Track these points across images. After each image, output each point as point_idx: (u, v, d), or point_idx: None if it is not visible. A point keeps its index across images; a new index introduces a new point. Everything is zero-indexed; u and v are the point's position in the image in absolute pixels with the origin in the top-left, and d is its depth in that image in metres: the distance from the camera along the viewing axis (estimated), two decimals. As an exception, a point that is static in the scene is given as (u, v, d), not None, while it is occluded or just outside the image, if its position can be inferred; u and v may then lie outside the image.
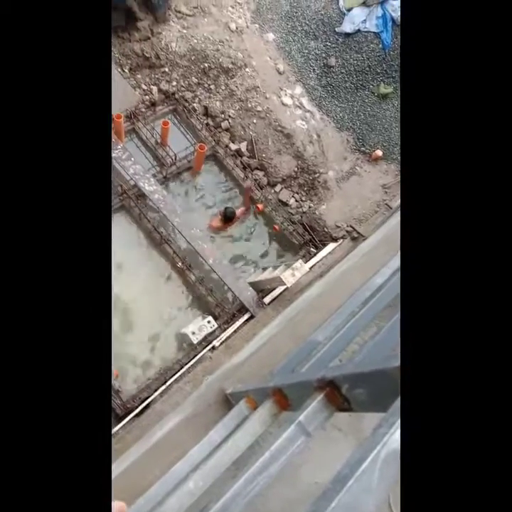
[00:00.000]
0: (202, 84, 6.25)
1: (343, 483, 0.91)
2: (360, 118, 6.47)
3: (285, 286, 4.78)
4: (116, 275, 5.20)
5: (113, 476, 3.23)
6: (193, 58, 6.17)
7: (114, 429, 4.18)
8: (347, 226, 5.68)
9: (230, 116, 6.26)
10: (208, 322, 4.84)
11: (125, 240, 5.45)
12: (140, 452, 3.37)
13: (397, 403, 1.21)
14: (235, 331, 4.92)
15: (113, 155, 5.40)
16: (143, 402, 4.45)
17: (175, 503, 1.72)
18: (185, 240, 5.22)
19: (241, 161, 6.20)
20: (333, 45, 6.52)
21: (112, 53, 5.94)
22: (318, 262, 5.36)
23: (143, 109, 6.03)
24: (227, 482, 1.70)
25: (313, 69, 6.56)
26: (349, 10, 6.51)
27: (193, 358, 4.75)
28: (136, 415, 4.33)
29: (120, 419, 4.38)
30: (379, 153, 6.26)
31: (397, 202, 5.67)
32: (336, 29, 6.52)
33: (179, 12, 6.40)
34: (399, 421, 1.05)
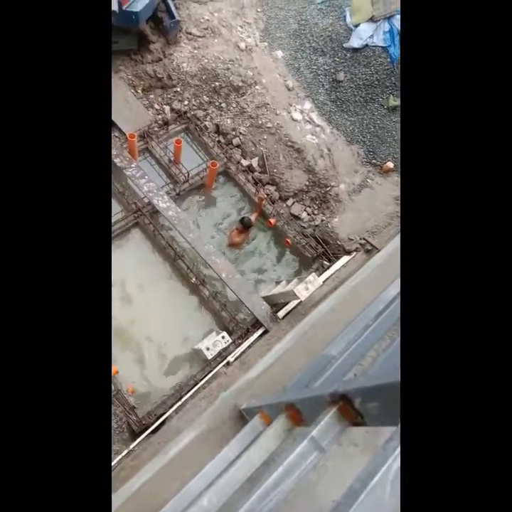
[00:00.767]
0: (213, 103, 6.38)
1: (354, 497, 0.90)
2: (370, 131, 6.50)
3: (299, 300, 4.76)
4: (129, 290, 5.26)
5: (129, 494, 3.23)
6: (204, 77, 6.31)
7: (131, 446, 4.18)
8: (360, 239, 5.66)
9: (240, 133, 6.36)
10: (223, 337, 4.84)
11: (139, 256, 5.52)
12: (155, 469, 3.38)
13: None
14: (249, 346, 4.90)
15: (127, 173, 5.53)
16: (158, 418, 4.45)
17: (189, 520, 1.72)
18: (199, 255, 5.27)
19: (253, 177, 6.26)
20: (342, 61, 6.61)
21: (125, 75, 6.13)
22: (331, 275, 5.34)
23: (156, 129, 6.17)
24: (241, 498, 1.68)
25: (322, 84, 6.64)
26: (356, 26, 6.61)
27: (208, 373, 4.73)
28: (152, 432, 4.32)
29: (136, 435, 4.37)
30: (390, 165, 6.26)
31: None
32: (344, 45, 6.61)
33: (190, 34, 6.59)
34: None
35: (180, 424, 3.94)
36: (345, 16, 6.77)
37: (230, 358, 4.85)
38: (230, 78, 6.33)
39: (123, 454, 4.11)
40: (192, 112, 6.31)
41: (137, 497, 3.11)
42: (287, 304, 5.06)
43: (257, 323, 5.06)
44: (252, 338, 4.95)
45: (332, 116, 6.54)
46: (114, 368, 4.85)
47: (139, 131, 5.93)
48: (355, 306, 4.14)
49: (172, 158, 6.13)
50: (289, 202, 6.16)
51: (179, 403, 4.64)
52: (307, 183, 6.13)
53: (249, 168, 6.34)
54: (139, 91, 6.11)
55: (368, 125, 6.53)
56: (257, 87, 6.42)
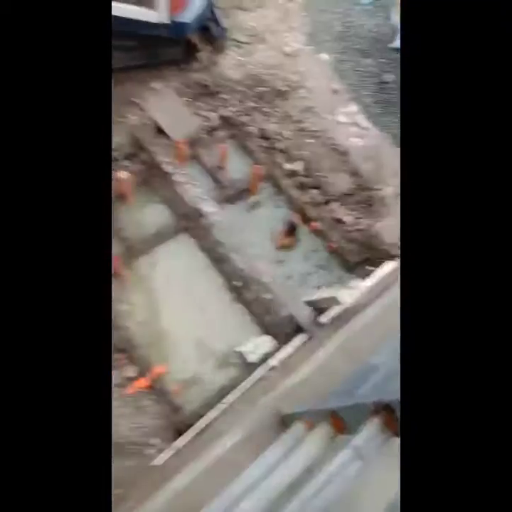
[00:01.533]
0: (258, 109, 6.44)
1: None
2: (419, 132, 6.30)
3: (342, 306, 4.69)
4: (174, 293, 5.41)
5: (170, 495, 3.30)
6: (249, 83, 6.40)
7: (173, 446, 4.29)
8: (407, 243, 5.48)
9: (285, 137, 6.37)
10: (265, 341, 4.86)
11: (185, 260, 5.67)
12: (197, 471, 3.44)
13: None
14: (291, 351, 4.89)
15: (176, 180, 5.70)
16: (201, 419, 4.53)
17: (230, 524, 1.73)
18: (242, 259, 5.34)
19: (297, 180, 6.25)
20: (388, 62, 6.47)
21: (174, 84, 6.32)
22: (376, 280, 5.21)
23: (203, 135, 6.31)
24: (281, 505, 1.68)
25: (369, 86, 6.52)
26: (404, 25, 6.44)
27: (250, 377, 4.76)
28: (195, 434, 4.40)
29: (179, 435, 4.48)
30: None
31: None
32: (390, 45, 6.47)
33: (236, 41, 6.70)
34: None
35: (222, 428, 4.00)
36: (390, 16, 6.63)
37: (273, 362, 4.86)
38: (275, 83, 6.37)
39: (167, 453, 4.22)
40: (238, 118, 6.40)
41: (178, 498, 3.18)
42: (330, 309, 4.99)
43: (299, 328, 5.03)
44: (294, 343, 4.92)
45: (378, 118, 6.40)
46: (161, 368, 5.00)
47: (187, 138, 6.09)
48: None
49: (218, 164, 6.25)
50: (333, 205, 6.08)
51: (222, 406, 4.70)
52: (352, 186, 6.04)
53: (293, 172, 6.33)
54: (187, 99, 6.28)
55: (416, 126, 6.33)
56: (301, 91, 6.41)
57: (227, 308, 5.42)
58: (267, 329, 5.26)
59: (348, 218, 5.92)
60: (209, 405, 4.82)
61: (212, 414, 4.55)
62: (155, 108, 6.12)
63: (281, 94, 6.40)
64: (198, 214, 5.72)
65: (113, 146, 5.85)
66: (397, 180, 6.06)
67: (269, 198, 6.33)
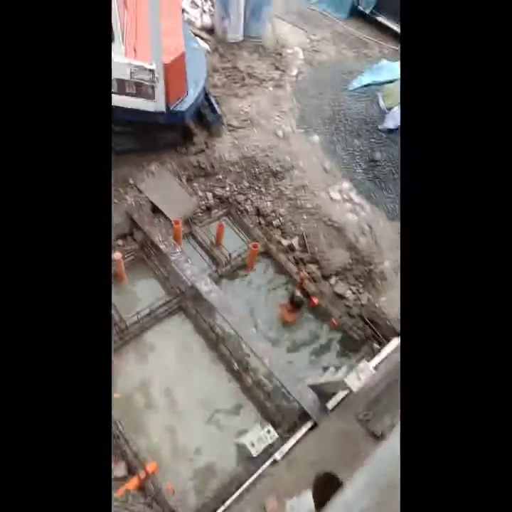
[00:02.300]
0: (253, 187, 6.58)
1: None
2: (412, 206, 6.41)
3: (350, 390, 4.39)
4: (170, 376, 5.09)
5: None
6: (244, 165, 6.59)
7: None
8: (411, 318, 5.32)
9: (280, 214, 6.45)
10: (268, 432, 4.48)
11: (181, 341, 5.41)
12: None
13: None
14: (297, 442, 4.50)
15: (172, 258, 5.63)
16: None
17: None
18: (241, 340, 5.10)
19: (293, 256, 6.21)
20: (378, 141, 6.75)
21: (171, 166, 6.50)
22: (383, 359, 4.96)
23: (199, 214, 6.37)
24: None
25: (359, 164, 6.74)
26: (390, 108, 6.83)
27: (253, 473, 4.33)
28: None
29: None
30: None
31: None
32: (379, 126, 6.80)
33: (231, 125, 7.02)
34: None
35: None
36: (378, 100, 7.04)
37: (277, 456, 4.44)
38: (269, 164, 6.57)
39: None
40: (233, 197, 6.51)
41: None
42: (336, 393, 4.68)
43: (304, 415, 4.68)
44: (300, 433, 4.55)
45: (371, 194, 6.54)
46: (152, 465, 4.54)
47: (184, 217, 6.13)
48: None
49: (214, 241, 6.24)
50: (332, 280, 5.99)
51: (222, 508, 4.21)
52: (350, 261, 5.99)
53: (290, 248, 6.32)
54: (184, 180, 6.42)
55: (409, 201, 6.45)
56: (295, 170, 6.60)
57: (225, 393, 5.07)
58: (269, 417, 4.88)
59: (348, 293, 5.81)
60: (207, 507, 4.32)
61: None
62: (152, 189, 6.22)
63: (275, 174, 6.58)
64: (194, 292, 5.58)
65: (109, 226, 5.86)
66: (394, 254, 6.04)
67: (267, 274, 6.25)
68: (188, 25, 7.90)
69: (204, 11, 8.44)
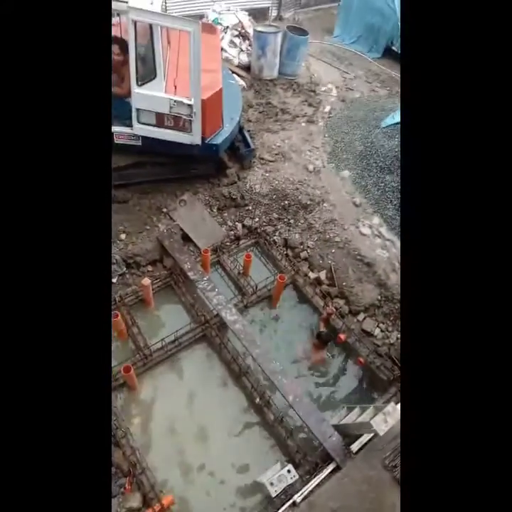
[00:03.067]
0: (282, 219, 6.63)
1: None
2: (444, 244, 6.28)
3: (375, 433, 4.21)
4: (189, 406, 5.02)
5: None
6: (274, 197, 6.68)
7: None
8: (441, 361, 5.11)
9: (308, 246, 6.44)
10: (288, 471, 4.31)
11: (204, 370, 5.37)
12: None
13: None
14: (318, 485, 4.30)
15: (199, 286, 5.68)
16: None
17: None
18: (264, 373, 5.01)
19: (320, 290, 6.14)
20: (409, 178, 6.72)
21: (203, 196, 6.65)
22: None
23: (228, 243, 6.45)
24: None
25: (391, 200, 6.71)
26: (422, 146, 6.82)
27: (271, 516, 4.15)
28: None
29: None
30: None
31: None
32: (411, 163, 6.78)
33: (263, 159, 7.17)
34: None
35: None
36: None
37: (297, 498, 4.25)
38: (299, 197, 6.63)
39: None
40: (262, 228, 6.57)
41: None
42: (361, 435, 4.50)
43: (327, 457, 4.49)
44: (321, 475, 4.36)
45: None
46: (169, 498, 4.42)
47: (213, 246, 6.21)
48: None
49: (241, 271, 6.26)
50: (360, 317, 5.87)
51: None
52: (379, 297, 5.87)
53: (317, 281, 6.26)
54: (215, 210, 6.55)
55: (441, 239, 6.34)
56: (324, 204, 6.63)
57: (246, 429, 4.95)
58: (290, 456, 4.72)
59: (377, 331, 5.66)
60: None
61: None
62: (183, 218, 6.37)
63: (304, 207, 6.62)
64: (219, 321, 5.57)
65: (140, 252, 6.00)
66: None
67: (293, 306, 6.19)
68: (226, 63, 8.27)
69: (242, 50, 8.83)
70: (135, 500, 4.44)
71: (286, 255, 6.46)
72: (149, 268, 6.07)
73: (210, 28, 6.93)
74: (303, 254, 6.43)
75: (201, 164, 6.58)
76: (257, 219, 6.61)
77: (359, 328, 5.76)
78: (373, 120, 7.96)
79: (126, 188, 6.35)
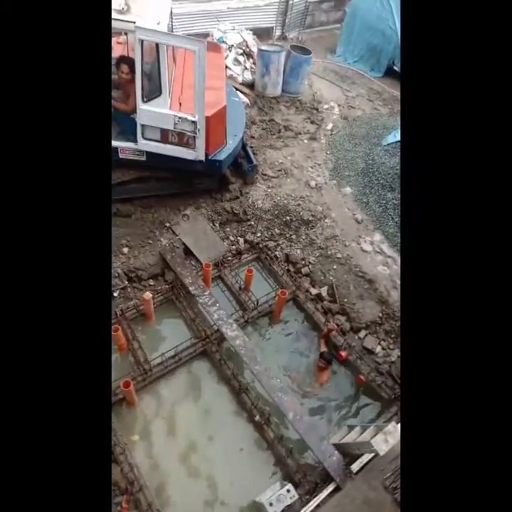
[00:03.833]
0: (284, 235, 6.66)
1: None
2: (445, 262, 6.29)
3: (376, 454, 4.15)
4: (188, 423, 4.97)
5: None
6: (276, 213, 6.72)
7: None
8: (443, 379, 5.07)
9: (310, 262, 6.45)
10: (288, 491, 4.25)
11: (203, 385, 5.33)
12: None
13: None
14: (318, 505, 4.24)
15: (200, 301, 5.68)
16: None
17: None
18: (264, 390, 4.98)
19: (322, 306, 6.13)
20: (411, 196, 6.76)
21: (206, 211, 6.70)
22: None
23: (229, 258, 6.46)
24: None
25: (392, 217, 6.74)
26: (424, 164, 6.88)
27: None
28: None
29: None
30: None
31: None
32: (413, 181, 6.83)
33: (265, 175, 7.24)
34: None
35: None
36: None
37: (296, 519, 4.18)
38: (301, 213, 6.67)
39: None
40: (264, 243, 6.59)
41: None
42: (362, 455, 4.44)
43: (327, 477, 4.43)
44: (321, 496, 4.29)
45: (403, 247, 6.47)
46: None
47: (214, 260, 6.23)
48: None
49: (242, 286, 6.26)
50: (361, 334, 5.84)
51: None
52: (380, 314, 5.86)
53: (319, 297, 6.25)
54: (217, 225, 6.58)
55: (442, 256, 6.35)
56: (326, 220, 6.67)
57: (243, 446, 4.89)
58: (289, 475, 4.65)
59: (378, 348, 5.63)
60: None
61: None
62: (186, 232, 6.40)
63: (306, 223, 6.66)
64: (219, 337, 5.55)
65: (142, 266, 6.02)
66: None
67: (294, 322, 6.17)
68: (230, 81, 8.40)
69: (246, 68, 8.98)
70: (131, 519, 4.37)
71: (288, 271, 6.47)
72: (151, 282, 6.08)
73: (214, 47, 7.07)
74: (304, 270, 6.44)
75: (204, 179, 6.64)
76: (258, 234, 6.64)
77: (360, 345, 5.73)
78: (375, 138, 8.05)
79: (130, 202, 6.40)
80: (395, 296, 5.89)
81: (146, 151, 5.84)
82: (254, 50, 8.90)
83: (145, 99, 5.35)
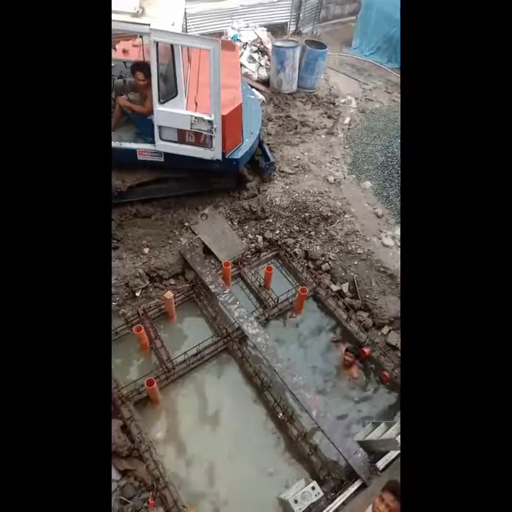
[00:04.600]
0: (303, 231, 6.62)
1: None
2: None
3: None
4: (210, 421, 5.00)
5: None
6: (294, 209, 6.68)
7: None
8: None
9: (330, 258, 6.39)
10: (313, 488, 4.23)
11: (225, 384, 5.35)
12: None
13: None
14: (343, 503, 4.20)
15: (220, 299, 5.70)
16: None
17: None
18: (287, 388, 4.96)
19: (343, 302, 6.07)
20: (432, 188, 6.62)
21: (224, 210, 6.72)
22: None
23: (249, 256, 6.46)
24: None
25: (413, 210, 6.60)
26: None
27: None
28: None
29: None
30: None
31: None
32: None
33: (282, 172, 7.20)
34: None
35: None
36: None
37: (321, 517, 4.16)
38: (320, 209, 6.61)
39: None
40: (283, 240, 6.56)
41: None
42: (387, 452, 4.38)
43: (352, 474, 4.39)
44: (347, 493, 4.25)
45: (426, 240, 6.34)
46: (190, 513, 4.40)
47: (234, 259, 6.24)
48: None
49: (262, 284, 6.26)
50: (385, 330, 5.75)
51: None
52: (403, 310, 5.75)
53: (340, 293, 6.19)
54: (235, 223, 6.59)
55: (466, 249, 6.19)
56: (346, 216, 6.59)
57: (268, 444, 4.89)
58: (314, 472, 4.63)
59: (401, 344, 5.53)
60: None
61: None
62: (205, 231, 6.44)
63: (325, 219, 6.59)
64: (241, 335, 5.56)
65: (163, 266, 6.08)
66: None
67: (315, 319, 6.12)
68: (246, 78, 8.39)
69: (261, 65, 8.95)
70: (158, 516, 4.43)
71: (308, 267, 6.43)
72: (172, 281, 6.14)
73: (229, 45, 7.07)
74: (324, 267, 6.39)
75: (222, 178, 6.66)
76: (277, 231, 6.61)
77: (384, 341, 5.64)
78: (394, 130, 7.91)
79: (150, 203, 6.48)
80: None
81: (164, 152, 5.90)
82: (269, 46, 8.87)
83: (161, 101, 5.40)
